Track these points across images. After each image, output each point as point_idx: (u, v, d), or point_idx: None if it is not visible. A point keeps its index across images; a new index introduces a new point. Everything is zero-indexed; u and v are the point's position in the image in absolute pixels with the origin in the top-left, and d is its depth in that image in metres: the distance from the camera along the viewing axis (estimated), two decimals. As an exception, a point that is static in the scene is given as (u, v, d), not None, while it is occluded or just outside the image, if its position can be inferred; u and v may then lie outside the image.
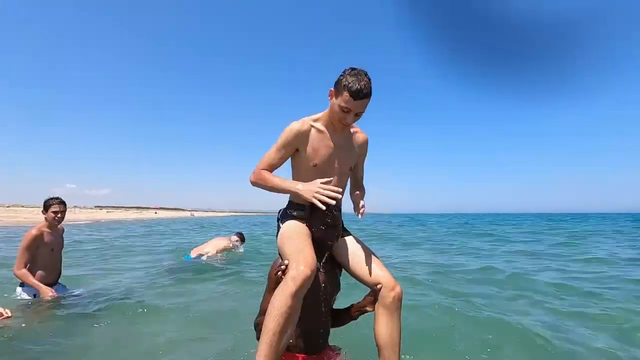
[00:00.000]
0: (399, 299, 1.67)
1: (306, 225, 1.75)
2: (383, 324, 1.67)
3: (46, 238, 3.29)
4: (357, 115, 1.65)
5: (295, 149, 1.77)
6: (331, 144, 1.75)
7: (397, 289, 1.67)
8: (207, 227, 20.48)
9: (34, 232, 3.23)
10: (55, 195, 3.35)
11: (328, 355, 1.76)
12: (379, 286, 1.68)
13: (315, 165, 1.75)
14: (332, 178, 1.74)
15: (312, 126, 1.75)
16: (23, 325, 2.66)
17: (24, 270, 3.20)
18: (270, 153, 1.78)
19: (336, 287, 1.79)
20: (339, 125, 1.70)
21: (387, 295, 1.65)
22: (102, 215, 43.29)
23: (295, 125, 1.74)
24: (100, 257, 6.70)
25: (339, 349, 1.87)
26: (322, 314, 1.71)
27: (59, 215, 3.32)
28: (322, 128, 1.75)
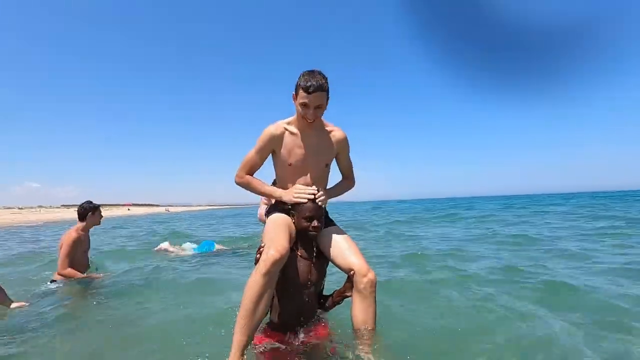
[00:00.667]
0: (371, 285, 1.77)
1: (290, 217, 1.94)
2: (357, 308, 1.79)
3: (83, 239, 3.58)
4: (317, 109, 1.80)
5: (271, 150, 1.97)
6: (303, 144, 1.92)
7: (370, 275, 1.78)
8: (208, 220, 20.06)
9: (74, 234, 3.49)
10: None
11: (316, 331, 1.92)
12: (352, 272, 1.82)
13: (290, 165, 1.94)
14: (307, 176, 1.94)
15: (285, 129, 1.92)
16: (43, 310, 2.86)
17: (70, 269, 3.47)
18: (250, 155, 1.99)
19: (322, 274, 1.95)
20: (304, 121, 1.86)
21: (360, 280, 1.78)
22: (71, 214, 41.14)
23: (270, 130, 1.92)
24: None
25: (326, 323, 2.01)
26: (307, 296, 1.87)
27: (102, 218, 3.71)
28: (295, 130, 1.92)
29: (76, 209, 3.63)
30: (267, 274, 1.65)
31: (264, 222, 6.20)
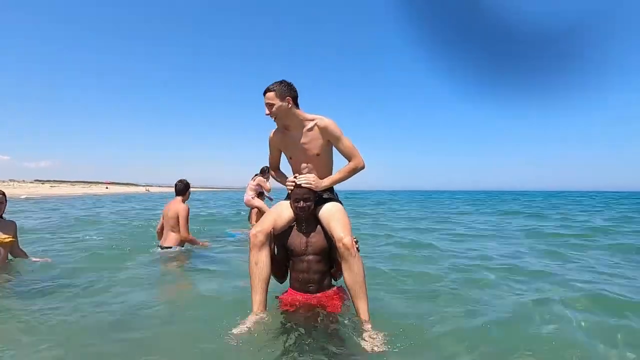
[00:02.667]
0: (346, 248, 2.01)
1: (289, 204, 2.28)
2: (344, 271, 2.06)
3: None
4: (268, 106, 2.21)
5: (278, 150, 2.47)
6: (292, 140, 2.31)
7: (345, 240, 2.02)
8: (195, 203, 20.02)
9: (186, 206, 4.31)
10: None
11: (327, 294, 2.22)
12: (333, 238, 2.09)
13: (290, 158, 2.39)
14: (303, 165, 2.31)
15: (278, 131, 2.37)
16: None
17: (193, 236, 4.46)
18: (269, 157, 2.53)
19: (320, 245, 2.21)
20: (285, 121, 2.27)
21: (338, 246, 2.05)
22: (46, 190, 38.86)
23: (270, 134, 2.42)
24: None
25: (340, 288, 2.28)
26: (306, 262, 2.21)
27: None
28: (284, 130, 2.33)
29: (174, 185, 4.42)
30: (253, 247, 2.13)
31: (250, 207, 6.91)
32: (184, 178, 4.47)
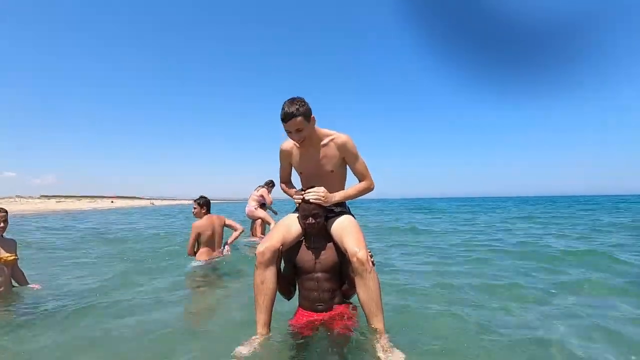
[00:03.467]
0: (361, 263, 1.88)
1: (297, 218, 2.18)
2: (358, 288, 1.93)
3: None
4: (297, 132, 2.00)
5: (288, 163, 2.32)
6: (307, 155, 2.18)
7: (359, 254, 1.89)
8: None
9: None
10: None
11: (338, 313, 2.08)
12: (347, 253, 1.96)
13: (302, 173, 2.28)
14: (315, 181, 2.17)
15: (291, 143, 2.21)
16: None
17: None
18: (280, 170, 2.40)
19: (332, 262, 2.11)
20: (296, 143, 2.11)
21: (352, 261, 1.91)
22: (53, 205, 39.67)
23: (281, 146, 2.27)
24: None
25: (351, 306, 2.14)
26: (316, 281, 2.10)
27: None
28: (298, 144, 2.14)
29: (205, 201, 4.49)
30: (259, 265, 2.00)
31: (253, 218, 6.78)
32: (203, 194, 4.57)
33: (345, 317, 2.07)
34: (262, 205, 6.68)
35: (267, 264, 1.99)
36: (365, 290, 1.90)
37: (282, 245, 2.06)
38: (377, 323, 1.90)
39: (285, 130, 2.04)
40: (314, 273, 2.11)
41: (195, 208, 4.39)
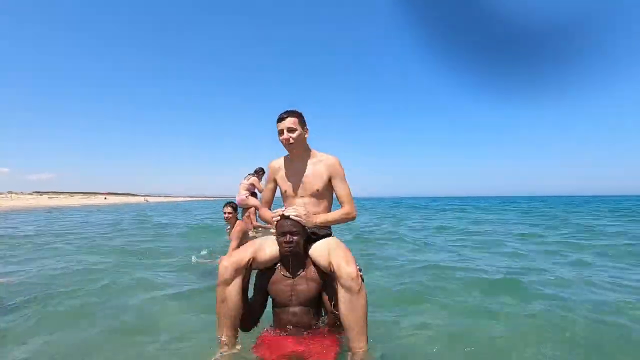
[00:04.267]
0: (350, 278, 1.74)
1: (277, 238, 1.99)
2: (343, 305, 1.77)
3: None
4: (290, 131, 2.04)
5: (275, 180, 2.23)
6: (295, 171, 2.13)
7: (348, 269, 1.76)
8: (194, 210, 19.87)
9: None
10: None
11: (320, 342, 1.83)
12: (334, 269, 1.81)
13: (285, 191, 2.17)
14: (299, 200, 2.10)
15: (281, 160, 2.20)
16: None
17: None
18: (265, 190, 2.29)
19: (312, 292, 1.92)
20: (286, 146, 2.10)
21: (341, 276, 1.77)
22: (45, 201, 38.86)
23: (270, 163, 2.24)
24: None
25: (336, 334, 1.89)
26: (291, 315, 1.90)
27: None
28: (288, 161, 2.17)
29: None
30: (220, 282, 1.85)
31: (245, 206, 6.87)
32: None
33: (325, 347, 1.82)
34: (253, 194, 6.62)
35: (228, 282, 1.85)
36: (352, 309, 1.76)
37: (250, 263, 1.91)
38: (361, 344, 1.77)
39: (278, 131, 2.08)
40: (290, 307, 1.92)
41: (230, 213, 4.34)
